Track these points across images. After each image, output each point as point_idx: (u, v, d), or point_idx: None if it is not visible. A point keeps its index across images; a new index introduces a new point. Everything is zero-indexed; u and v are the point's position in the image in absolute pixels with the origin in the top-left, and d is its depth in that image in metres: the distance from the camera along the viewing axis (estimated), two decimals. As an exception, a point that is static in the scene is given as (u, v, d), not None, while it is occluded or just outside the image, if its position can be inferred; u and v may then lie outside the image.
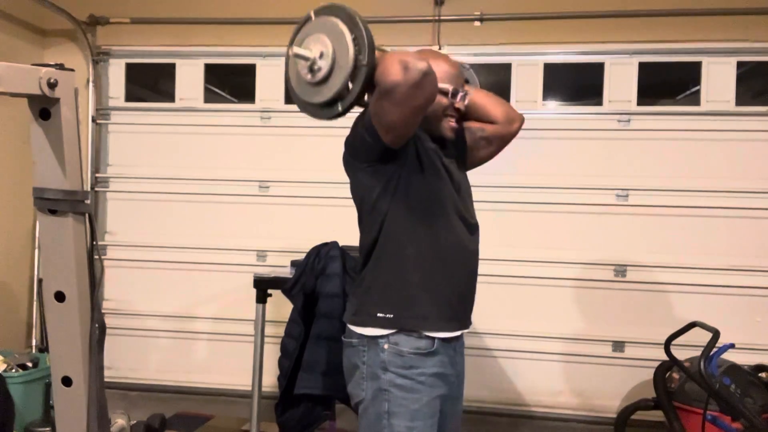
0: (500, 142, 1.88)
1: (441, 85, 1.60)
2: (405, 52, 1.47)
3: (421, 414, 1.60)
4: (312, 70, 1.51)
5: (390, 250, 1.64)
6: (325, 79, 1.50)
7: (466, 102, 1.74)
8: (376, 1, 3.77)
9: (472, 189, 1.84)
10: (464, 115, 1.80)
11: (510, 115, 1.87)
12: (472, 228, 1.74)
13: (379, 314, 1.62)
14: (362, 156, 1.63)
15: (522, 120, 1.90)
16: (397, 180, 1.62)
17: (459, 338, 1.75)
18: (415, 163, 1.64)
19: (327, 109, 1.55)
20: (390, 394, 1.59)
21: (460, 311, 1.71)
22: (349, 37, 1.46)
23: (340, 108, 1.52)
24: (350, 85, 1.48)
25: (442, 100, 1.67)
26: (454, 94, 1.69)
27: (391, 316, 1.61)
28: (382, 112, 1.49)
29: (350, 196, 1.73)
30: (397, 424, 1.58)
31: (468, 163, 1.88)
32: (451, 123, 1.73)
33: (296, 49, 1.52)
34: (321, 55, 1.49)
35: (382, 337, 1.61)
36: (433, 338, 1.63)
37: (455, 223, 1.68)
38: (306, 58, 1.51)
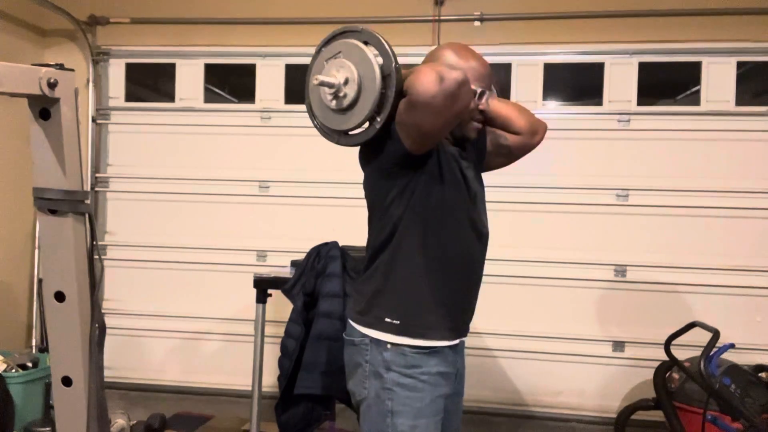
0: (521, 152, 1.85)
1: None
2: (432, 64, 1.45)
3: (425, 412, 1.60)
4: (337, 96, 1.48)
5: (402, 257, 1.62)
6: (352, 105, 1.47)
7: (489, 104, 1.70)
8: (376, 1, 3.77)
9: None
10: (488, 122, 1.77)
11: (534, 125, 1.82)
12: (483, 237, 1.71)
13: (387, 319, 1.62)
14: (380, 157, 1.58)
15: (545, 129, 1.85)
16: (414, 186, 1.58)
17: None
18: (435, 172, 1.59)
19: (354, 136, 1.53)
20: (393, 393, 1.59)
21: (460, 322, 1.71)
22: (374, 60, 1.43)
23: (371, 133, 1.49)
24: (379, 111, 1.45)
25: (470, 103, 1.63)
26: (481, 96, 1.65)
27: (398, 322, 1.61)
28: (414, 122, 1.46)
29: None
30: (401, 423, 1.58)
31: (484, 166, 1.85)
32: (476, 125, 1.70)
33: (320, 77, 1.47)
34: (346, 81, 1.46)
35: (384, 340, 1.62)
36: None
37: (465, 233, 1.66)
38: (331, 85, 1.47)
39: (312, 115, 1.60)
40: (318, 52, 1.56)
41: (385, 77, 1.43)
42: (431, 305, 1.63)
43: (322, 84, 1.47)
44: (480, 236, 1.71)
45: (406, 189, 1.58)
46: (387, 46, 1.45)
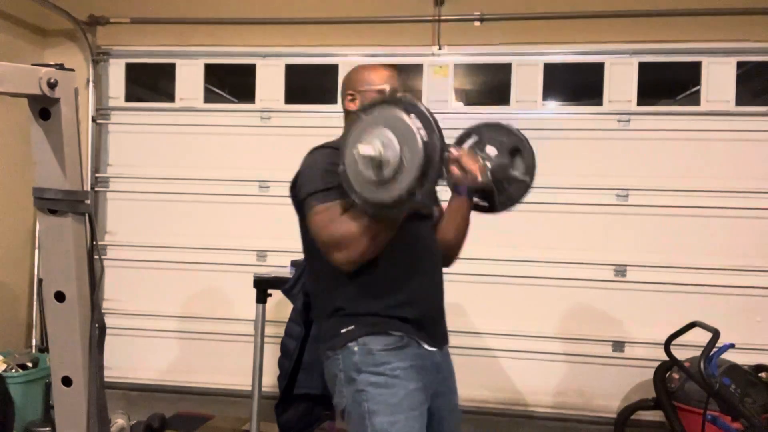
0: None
1: (377, 88, 1.74)
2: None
3: (401, 407, 1.60)
4: (377, 168, 1.42)
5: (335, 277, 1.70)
6: (393, 176, 1.41)
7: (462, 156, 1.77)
8: (376, 1, 3.77)
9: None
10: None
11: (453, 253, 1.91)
12: (425, 217, 1.80)
13: (342, 330, 1.68)
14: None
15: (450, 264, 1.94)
16: None
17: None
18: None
19: (398, 208, 1.47)
20: (367, 393, 1.61)
21: (423, 313, 1.73)
22: (415, 128, 1.39)
23: (414, 202, 1.44)
24: (423, 180, 1.40)
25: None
26: (382, 92, 1.79)
27: (353, 327, 1.67)
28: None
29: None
30: (379, 422, 1.59)
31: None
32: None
33: (361, 148, 1.43)
34: (387, 152, 1.41)
35: (351, 341, 1.65)
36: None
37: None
38: (372, 158, 1.42)
39: (350, 189, 1.51)
40: (359, 119, 1.51)
41: (428, 150, 1.38)
42: (375, 297, 1.68)
43: (364, 156, 1.43)
44: (422, 220, 1.77)
45: None
46: (429, 116, 1.39)
